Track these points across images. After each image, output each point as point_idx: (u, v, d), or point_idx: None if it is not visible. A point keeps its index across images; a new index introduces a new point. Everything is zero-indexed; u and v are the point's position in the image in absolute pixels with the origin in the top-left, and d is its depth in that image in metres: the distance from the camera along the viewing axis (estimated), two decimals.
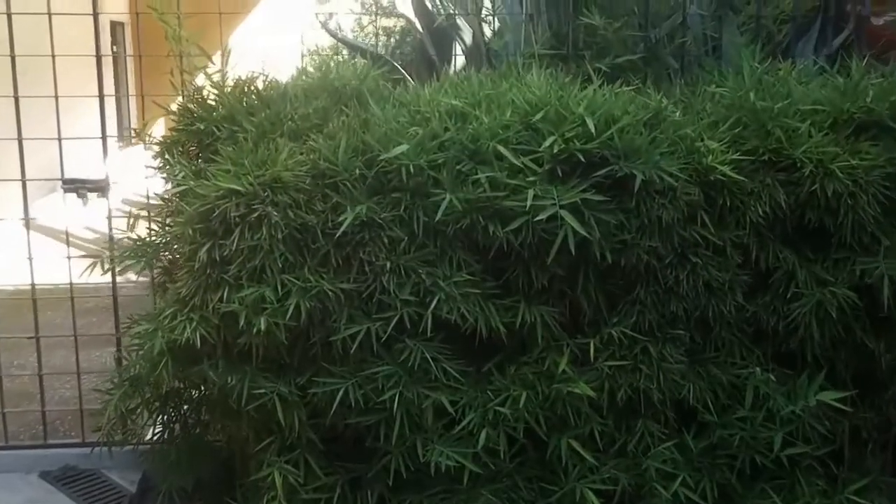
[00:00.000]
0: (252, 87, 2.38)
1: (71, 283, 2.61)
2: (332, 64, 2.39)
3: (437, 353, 2.12)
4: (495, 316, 2.14)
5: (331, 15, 8.47)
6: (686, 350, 2.30)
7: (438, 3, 4.16)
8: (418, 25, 4.25)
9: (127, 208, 2.46)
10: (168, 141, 2.33)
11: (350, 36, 7.49)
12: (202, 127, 2.28)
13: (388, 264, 2.09)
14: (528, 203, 2.03)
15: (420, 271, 2.10)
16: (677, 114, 2.38)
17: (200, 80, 2.50)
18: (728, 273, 2.27)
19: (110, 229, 2.54)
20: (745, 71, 2.45)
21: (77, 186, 2.59)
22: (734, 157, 2.21)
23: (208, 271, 2.10)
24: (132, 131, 2.57)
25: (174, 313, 2.11)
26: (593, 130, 2.10)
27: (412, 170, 2.07)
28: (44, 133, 2.77)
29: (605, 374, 2.22)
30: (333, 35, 4.31)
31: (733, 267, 2.28)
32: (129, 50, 11.40)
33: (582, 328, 2.28)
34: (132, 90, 12.09)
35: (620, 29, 2.62)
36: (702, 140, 2.26)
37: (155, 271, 2.32)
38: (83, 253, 2.74)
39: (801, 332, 2.29)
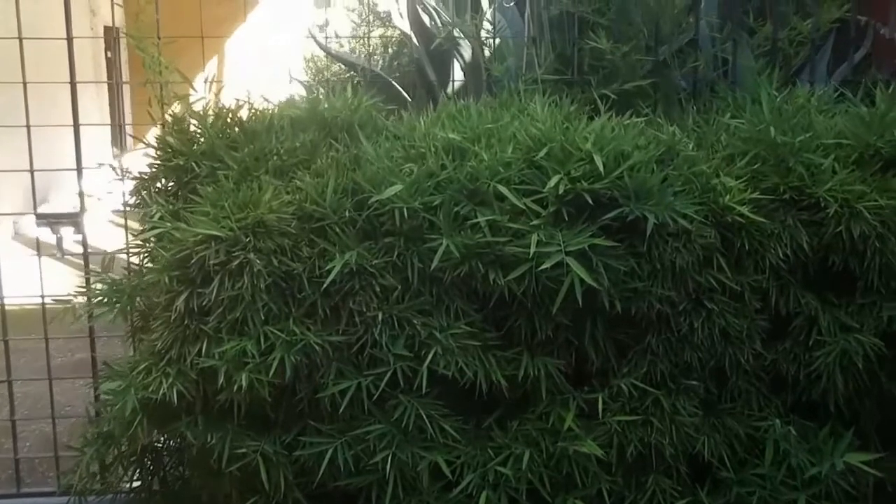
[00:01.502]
0: (236, 118, 2.22)
1: (46, 332, 2.44)
2: (321, 92, 2.23)
3: (433, 409, 1.97)
4: (496, 369, 1.99)
5: (326, 22, 8.32)
6: (700, 401, 2.15)
7: (436, 18, 4.01)
8: (415, 40, 4.10)
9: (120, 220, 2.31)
10: (145, 177, 2.17)
11: (346, 44, 7.35)
12: (181, 163, 2.12)
13: (381, 315, 1.94)
14: (532, 250, 1.88)
15: (415, 322, 1.95)
16: (690, 146, 2.22)
17: (180, 107, 2.35)
18: (746, 320, 2.11)
19: (86, 266, 2.38)
20: (763, 100, 2.29)
21: (51, 221, 2.43)
22: (753, 195, 2.06)
23: (185, 322, 1.95)
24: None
25: (148, 368, 1.96)
26: (602, 169, 1.95)
27: (406, 213, 1.91)
28: (36, 144, 2.59)
29: (614, 429, 2.06)
30: (327, 51, 4.14)
31: (751, 313, 2.12)
32: (125, 55, 11.29)
33: (589, 379, 2.12)
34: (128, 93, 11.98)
35: (629, 53, 2.46)
36: (718, 177, 2.10)
37: (131, 317, 2.16)
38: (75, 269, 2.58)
39: (824, 381, 2.13)
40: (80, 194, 2.50)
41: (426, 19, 4.02)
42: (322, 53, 7.90)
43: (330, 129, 2.21)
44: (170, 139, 2.17)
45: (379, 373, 1.93)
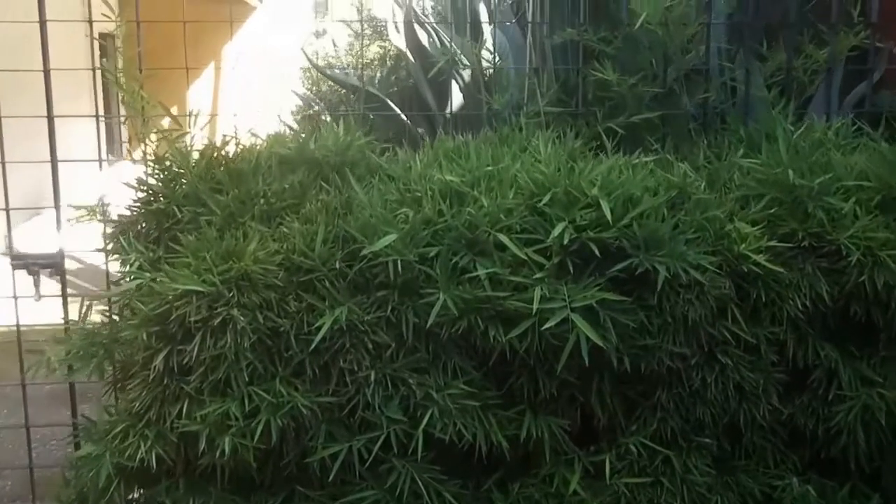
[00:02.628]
0: (221, 156, 2.09)
1: (23, 378, 2.30)
2: (314, 118, 2.11)
3: (429, 474, 1.84)
4: (496, 429, 1.86)
5: (324, 31, 8.19)
6: (713, 459, 2.03)
7: (434, 37, 3.89)
8: (411, 57, 3.98)
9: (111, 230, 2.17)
10: (123, 222, 2.04)
11: (343, 58, 7.23)
12: (162, 206, 1.99)
13: (373, 374, 1.81)
14: (535, 306, 1.75)
15: (410, 381, 1.82)
16: (702, 186, 2.10)
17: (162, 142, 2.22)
18: (762, 374, 1.99)
19: (66, 314, 2.25)
20: (779, 137, 2.17)
21: (27, 263, 2.30)
22: (769, 243, 1.93)
23: (165, 381, 1.82)
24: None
25: (126, 430, 1.83)
26: (609, 217, 1.82)
27: (401, 265, 1.79)
28: (26, 154, 2.45)
29: (622, 492, 1.94)
30: (321, 72, 4.02)
31: (767, 366, 2.00)
32: (120, 62, 11.16)
33: (595, 437, 2.00)
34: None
35: (636, 85, 2.34)
36: (732, 222, 1.98)
37: (109, 370, 2.04)
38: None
39: (845, 437, 2.01)
40: (59, 220, 2.36)
41: (424, 37, 3.90)
42: (321, 60, 7.79)
43: (321, 169, 2.09)
44: (151, 180, 2.04)
45: (372, 437, 1.81)
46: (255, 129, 2.24)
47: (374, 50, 5.99)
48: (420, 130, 3.78)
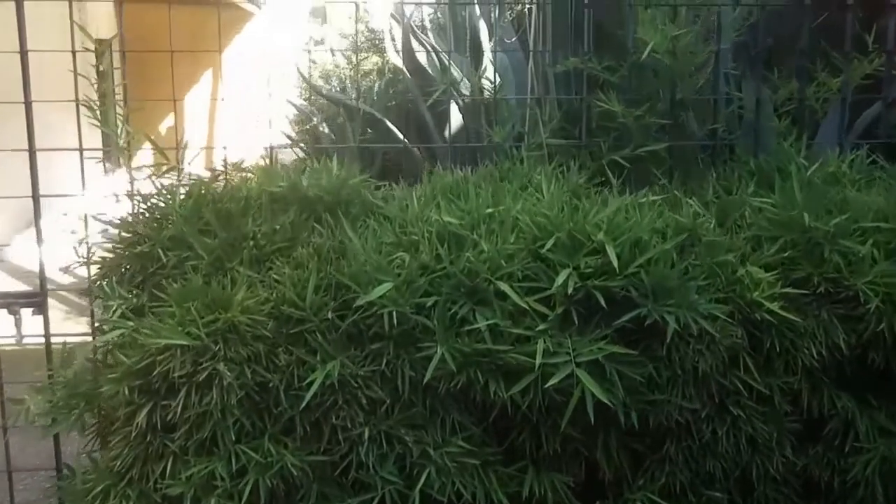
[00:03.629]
0: (209, 194, 2.00)
1: (6, 432, 2.20)
2: (304, 165, 2.01)
3: None
4: (497, 487, 1.77)
5: (322, 39, 8.10)
6: None
7: (434, 55, 3.80)
8: (409, 76, 3.89)
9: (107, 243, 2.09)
10: (106, 266, 1.95)
11: (341, 59, 7.13)
12: (146, 249, 1.90)
13: (367, 431, 1.72)
14: (538, 361, 1.66)
15: (406, 438, 1.73)
16: (712, 224, 2.01)
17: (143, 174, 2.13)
18: (775, 425, 1.90)
19: (49, 358, 2.16)
20: (792, 174, 2.08)
21: (8, 302, 2.21)
22: (784, 290, 1.84)
23: (148, 439, 1.73)
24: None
25: (107, 490, 1.74)
26: (616, 264, 1.73)
27: (396, 317, 1.70)
28: (19, 167, 2.33)
29: None
30: (317, 92, 3.92)
31: (781, 417, 1.91)
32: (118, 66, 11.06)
33: (601, 492, 1.90)
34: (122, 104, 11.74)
35: (642, 116, 2.24)
36: (744, 266, 1.89)
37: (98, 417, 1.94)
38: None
39: (862, 490, 1.92)
40: (41, 269, 2.27)
41: (422, 55, 3.81)
42: (318, 69, 7.70)
43: (314, 209, 1.99)
44: (135, 222, 1.95)
45: (366, 498, 1.72)
46: (249, 153, 2.16)
47: (372, 60, 5.90)
48: (418, 150, 3.70)
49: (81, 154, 2.23)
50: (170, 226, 1.93)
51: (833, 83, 2.38)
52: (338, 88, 6.51)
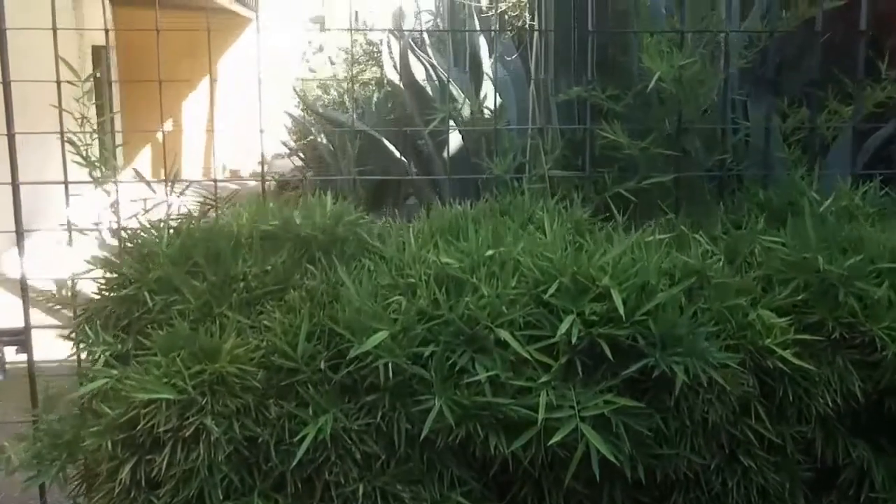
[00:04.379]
0: (197, 232, 1.92)
1: None
2: (296, 208, 1.93)
3: None
4: None
5: (320, 48, 8.02)
6: None
7: (432, 72, 3.72)
8: (407, 95, 3.81)
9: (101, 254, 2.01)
10: (90, 310, 1.87)
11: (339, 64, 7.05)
12: (132, 292, 1.82)
13: (362, 487, 1.64)
14: (541, 417, 1.58)
15: (402, 495, 1.65)
16: (721, 263, 1.93)
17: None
18: (787, 475, 1.82)
19: (34, 401, 2.08)
20: (804, 210, 2.00)
21: None
22: (797, 336, 1.76)
23: (132, 495, 1.66)
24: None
25: None
26: (622, 311, 1.65)
27: (392, 368, 1.62)
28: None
29: None
30: (313, 111, 3.85)
31: (793, 466, 1.83)
32: (115, 74, 10.99)
33: None
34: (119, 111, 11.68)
35: (647, 148, 2.17)
36: (755, 309, 1.81)
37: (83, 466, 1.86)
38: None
39: None
40: (25, 298, 2.18)
41: (420, 71, 3.73)
42: (314, 77, 7.63)
43: (307, 248, 1.91)
44: (120, 263, 1.87)
45: None
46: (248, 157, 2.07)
47: (371, 69, 5.82)
48: (415, 171, 3.62)
49: (66, 187, 2.14)
50: (156, 266, 1.85)
51: (845, 111, 2.30)
52: (336, 98, 6.43)
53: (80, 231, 2.11)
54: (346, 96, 5.73)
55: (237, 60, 10.54)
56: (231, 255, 1.87)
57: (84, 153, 1.97)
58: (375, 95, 5.73)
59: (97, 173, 2.00)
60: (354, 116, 4.22)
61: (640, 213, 2.20)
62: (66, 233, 2.12)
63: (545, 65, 2.32)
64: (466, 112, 3.49)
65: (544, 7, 2.26)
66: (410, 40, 3.54)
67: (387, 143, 3.49)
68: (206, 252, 1.88)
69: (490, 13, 3.54)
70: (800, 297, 1.83)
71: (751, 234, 2.05)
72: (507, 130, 2.23)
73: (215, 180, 2.18)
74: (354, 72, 5.44)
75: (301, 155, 7.31)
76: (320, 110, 4.20)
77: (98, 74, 10.81)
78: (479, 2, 3.52)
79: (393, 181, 4.28)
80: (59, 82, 2.06)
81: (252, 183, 11.09)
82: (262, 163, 2.26)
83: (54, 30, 2.07)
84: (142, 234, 1.93)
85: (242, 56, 10.65)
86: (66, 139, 2.01)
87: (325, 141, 5.80)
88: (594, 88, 2.21)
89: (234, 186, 11.02)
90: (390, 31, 3.91)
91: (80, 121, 1.97)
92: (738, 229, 2.13)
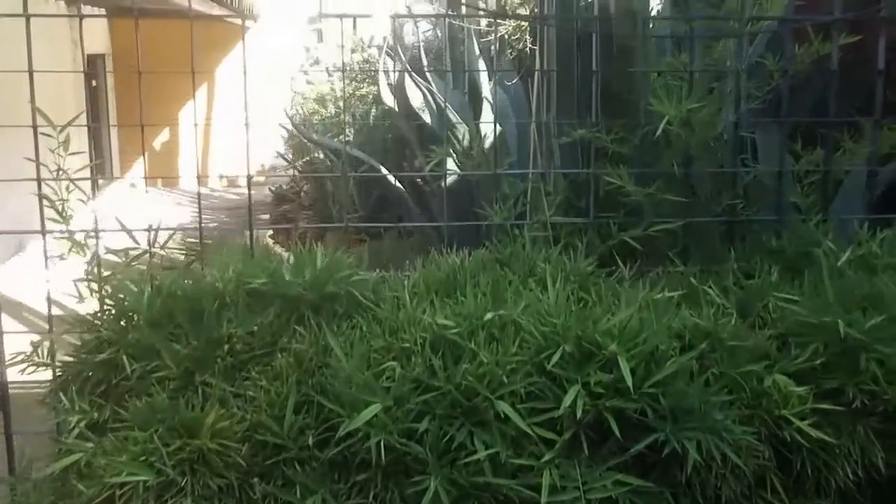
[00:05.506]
0: (180, 290, 1.81)
1: None
2: (285, 261, 1.83)
3: None
4: None
5: (317, 60, 7.92)
6: None
7: (430, 97, 3.62)
8: (404, 120, 3.71)
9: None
10: (66, 373, 1.77)
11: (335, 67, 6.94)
12: (109, 357, 1.72)
13: None
14: (544, 501, 1.48)
15: None
16: (733, 319, 1.83)
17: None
18: None
19: (11, 466, 1.97)
20: (822, 266, 1.90)
21: None
22: (816, 405, 1.66)
23: None
24: None
25: None
26: (630, 382, 1.55)
27: (384, 445, 1.52)
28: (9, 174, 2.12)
29: None
30: (308, 138, 3.75)
31: None
32: (111, 81, 10.88)
33: None
34: (114, 120, 11.56)
35: (654, 194, 2.06)
36: (771, 375, 1.70)
37: None
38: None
39: None
40: (1, 358, 2.07)
41: (418, 97, 3.63)
42: (311, 90, 7.52)
43: (296, 307, 1.81)
44: (100, 324, 1.77)
45: None
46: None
47: (369, 87, 5.72)
48: (407, 193, 3.52)
49: (44, 237, 2.03)
50: (136, 328, 1.75)
51: (862, 152, 2.20)
52: (333, 112, 6.33)
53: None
54: (342, 113, 5.63)
55: (236, 68, 10.44)
56: (215, 315, 1.77)
57: (60, 208, 1.86)
58: (373, 110, 5.63)
59: (75, 229, 1.89)
60: (350, 136, 4.11)
61: (648, 260, 2.11)
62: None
63: (547, 103, 2.21)
64: (464, 139, 3.39)
65: (546, 45, 2.15)
66: (408, 66, 3.44)
67: (385, 171, 3.39)
68: (190, 312, 1.78)
69: (489, 37, 3.44)
70: (818, 362, 1.73)
71: (764, 286, 1.95)
72: (509, 178, 2.12)
73: (200, 225, 2.07)
74: (350, 89, 5.33)
75: (298, 168, 7.22)
76: (315, 137, 4.09)
77: (93, 83, 10.72)
78: (478, 25, 3.41)
79: (390, 204, 4.18)
80: (35, 128, 1.95)
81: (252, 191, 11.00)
82: (250, 210, 2.16)
83: (30, 73, 1.96)
84: (121, 292, 1.82)
85: (240, 64, 10.54)
86: (41, 195, 1.89)
87: (321, 156, 5.70)
88: (599, 130, 2.11)
89: (231, 196, 10.95)
90: (387, 52, 3.80)
91: (56, 172, 1.86)
92: (750, 278, 2.03)
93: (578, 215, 2.21)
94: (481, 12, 3.08)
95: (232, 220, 7.93)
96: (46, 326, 1.99)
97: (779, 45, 2.21)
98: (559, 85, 2.19)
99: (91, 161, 2.19)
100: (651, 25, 2.38)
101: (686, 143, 2.08)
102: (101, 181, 11.36)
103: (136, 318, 1.77)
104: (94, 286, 1.90)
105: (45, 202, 1.85)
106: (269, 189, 8.13)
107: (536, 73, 2.21)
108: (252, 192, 2.29)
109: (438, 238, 2.23)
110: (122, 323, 1.78)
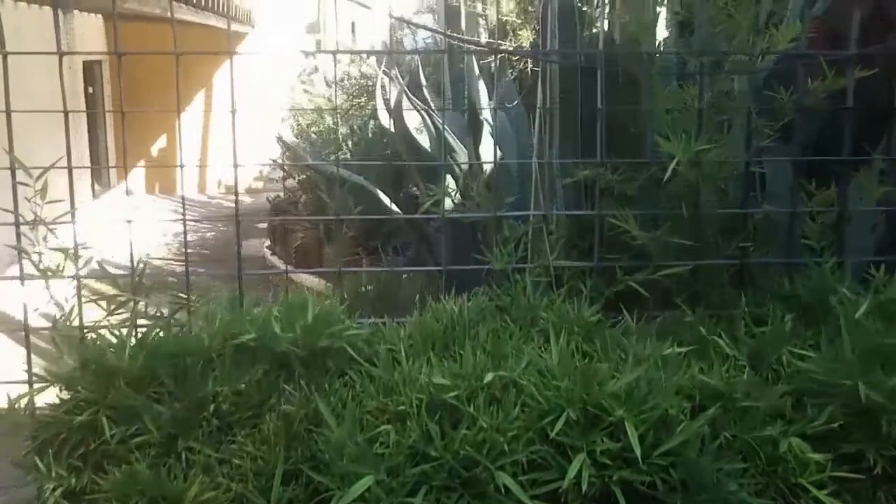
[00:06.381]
0: (164, 346, 1.72)
1: None
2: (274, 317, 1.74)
3: None
4: None
5: (315, 69, 7.82)
6: None
7: (427, 119, 3.52)
8: (398, 140, 3.62)
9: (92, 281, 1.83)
10: (41, 436, 1.68)
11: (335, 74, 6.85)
12: (88, 419, 1.63)
13: None
14: None
15: None
16: (745, 375, 1.74)
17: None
18: None
19: None
20: (834, 311, 1.81)
21: None
22: (834, 473, 1.57)
23: None
24: None
25: None
26: (638, 452, 1.46)
27: None
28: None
29: None
30: (303, 163, 3.66)
31: None
32: (108, 89, 10.78)
33: None
34: (111, 126, 11.46)
35: (661, 237, 1.98)
36: (787, 439, 1.61)
37: None
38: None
39: None
40: None
41: (415, 119, 3.54)
42: (308, 101, 7.43)
43: (286, 362, 1.72)
44: (79, 383, 1.68)
45: None
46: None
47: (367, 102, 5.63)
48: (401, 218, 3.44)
49: (22, 280, 1.93)
50: (117, 388, 1.66)
51: (879, 191, 2.11)
52: (331, 124, 6.24)
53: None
54: (340, 123, 5.53)
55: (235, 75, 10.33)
56: (200, 374, 1.68)
57: (37, 261, 1.77)
58: (371, 123, 5.54)
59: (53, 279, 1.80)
60: (348, 154, 4.02)
61: (654, 304, 2.02)
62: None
63: (549, 141, 2.12)
64: (463, 164, 3.30)
65: (549, 81, 2.06)
66: (406, 89, 3.34)
67: (382, 195, 3.29)
68: (174, 369, 1.69)
69: (490, 58, 3.34)
70: (836, 425, 1.64)
71: (777, 335, 1.86)
72: (509, 221, 2.03)
73: (187, 272, 1.98)
74: (348, 105, 5.24)
75: (294, 176, 7.13)
76: (310, 161, 4.01)
77: (90, 91, 10.61)
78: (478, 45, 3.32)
79: (385, 226, 4.09)
80: (14, 179, 1.85)
81: (248, 200, 10.92)
82: (238, 246, 2.07)
83: (8, 112, 1.87)
84: (102, 344, 1.73)
85: (238, 70, 10.44)
86: (19, 248, 1.80)
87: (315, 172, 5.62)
88: (604, 169, 2.02)
89: (229, 203, 10.84)
90: (384, 70, 3.72)
91: (32, 223, 1.76)
92: (761, 324, 1.94)
93: (582, 255, 2.12)
94: (483, 48, 3.00)
95: (230, 229, 7.84)
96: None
97: (790, 78, 2.11)
98: (562, 121, 2.10)
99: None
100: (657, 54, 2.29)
101: (695, 183, 1.99)
102: (97, 188, 11.28)
103: (117, 376, 1.68)
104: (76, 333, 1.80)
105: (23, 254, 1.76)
106: (267, 199, 8.04)
107: (538, 109, 2.12)
108: (251, 199, 2.20)
109: (438, 275, 2.13)
110: (102, 380, 1.69)
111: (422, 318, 1.89)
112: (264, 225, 8.95)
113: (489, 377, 1.61)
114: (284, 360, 1.73)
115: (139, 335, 1.79)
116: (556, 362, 1.64)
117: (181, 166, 2.35)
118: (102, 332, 1.82)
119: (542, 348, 1.75)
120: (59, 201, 1.76)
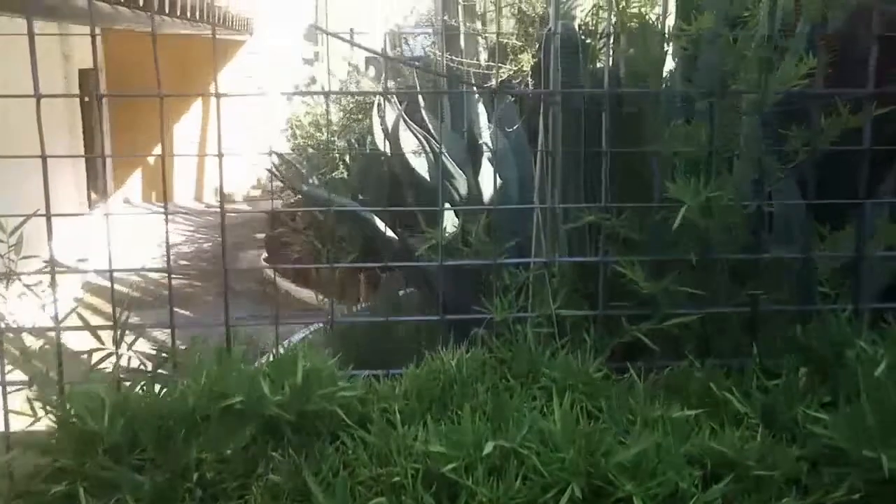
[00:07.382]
0: (147, 408, 1.64)
1: None
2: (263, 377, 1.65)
3: None
4: None
5: (313, 79, 7.74)
6: None
7: (424, 144, 3.44)
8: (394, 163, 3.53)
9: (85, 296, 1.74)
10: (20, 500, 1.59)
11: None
12: (64, 489, 1.54)
13: None
14: None
15: None
16: (758, 437, 1.66)
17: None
18: None
19: None
20: (851, 367, 1.72)
21: None
22: None
23: None
24: None
25: None
26: None
27: None
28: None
29: None
30: (298, 190, 3.58)
31: None
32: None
33: None
34: (109, 132, 11.38)
35: (669, 286, 1.89)
36: None
37: None
38: None
39: None
40: None
41: (413, 143, 3.45)
42: (307, 113, 7.34)
43: (275, 426, 1.63)
44: (56, 449, 1.59)
45: None
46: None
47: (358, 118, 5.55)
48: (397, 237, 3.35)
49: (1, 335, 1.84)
50: (95, 456, 1.57)
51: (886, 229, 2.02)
52: (329, 138, 6.16)
53: None
54: (336, 143, 5.46)
55: (232, 82, 10.26)
56: (184, 439, 1.59)
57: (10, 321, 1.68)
58: (369, 138, 5.45)
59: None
60: (344, 173, 3.94)
61: (662, 354, 1.94)
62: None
63: (551, 185, 2.03)
64: (463, 190, 3.22)
65: (550, 125, 1.98)
66: (404, 115, 3.26)
67: (379, 222, 3.21)
68: (157, 433, 1.60)
69: (490, 82, 3.26)
70: (856, 496, 1.55)
71: (791, 391, 1.77)
72: (508, 269, 1.94)
73: (172, 327, 1.89)
74: (345, 121, 5.14)
75: (292, 188, 7.04)
76: (304, 188, 3.93)
77: (86, 99, 10.52)
78: (478, 68, 3.23)
79: (381, 245, 4.00)
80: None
81: (246, 207, 10.84)
82: (226, 303, 1.98)
83: None
84: (79, 408, 1.64)
85: (235, 78, 10.37)
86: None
87: (315, 181, 5.53)
88: (608, 213, 1.93)
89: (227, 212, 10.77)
90: (380, 93, 3.63)
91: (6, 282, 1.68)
92: (774, 377, 1.85)
93: (586, 300, 2.04)
94: (483, 89, 2.92)
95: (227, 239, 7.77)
96: None
97: (803, 117, 2.03)
98: (565, 162, 2.01)
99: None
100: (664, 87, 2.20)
101: (705, 229, 1.90)
102: (94, 196, 11.19)
103: (95, 442, 1.59)
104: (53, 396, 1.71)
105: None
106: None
107: (539, 152, 2.03)
108: (249, 207, 2.11)
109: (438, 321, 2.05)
110: (80, 445, 1.60)
111: (418, 371, 1.81)
112: (262, 234, 8.89)
113: (489, 448, 1.52)
114: (273, 424, 1.64)
115: (121, 390, 1.70)
116: (559, 428, 1.55)
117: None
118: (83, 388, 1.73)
119: (545, 408, 1.67)
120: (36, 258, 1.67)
